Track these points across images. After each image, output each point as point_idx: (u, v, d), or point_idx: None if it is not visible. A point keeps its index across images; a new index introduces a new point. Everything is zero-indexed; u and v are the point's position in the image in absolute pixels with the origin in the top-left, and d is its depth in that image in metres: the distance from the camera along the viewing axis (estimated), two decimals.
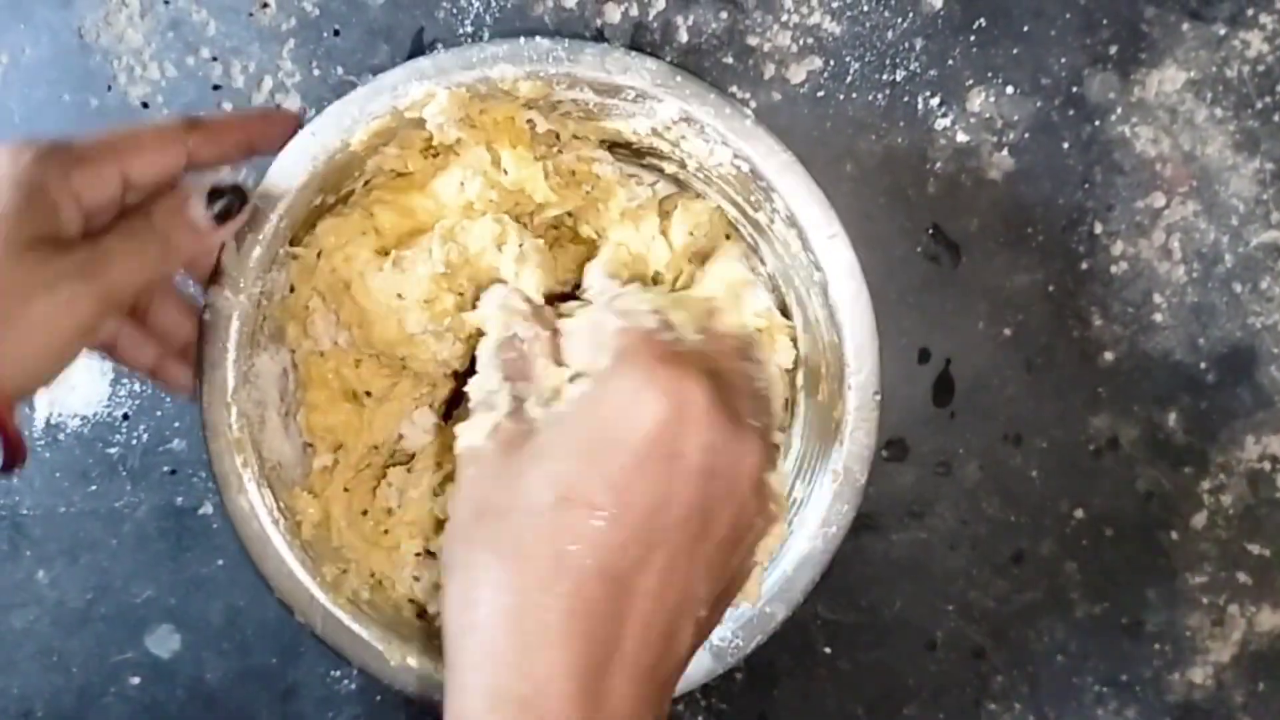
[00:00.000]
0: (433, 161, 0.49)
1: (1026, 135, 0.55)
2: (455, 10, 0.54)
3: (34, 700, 0.56)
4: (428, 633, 0.48)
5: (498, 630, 0.33)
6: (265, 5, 0.54)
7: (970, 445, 0.56)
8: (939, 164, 0.55)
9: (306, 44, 0.54)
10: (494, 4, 0.54)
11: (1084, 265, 0.55)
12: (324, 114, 0.45)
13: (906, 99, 0.55)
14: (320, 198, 0.46)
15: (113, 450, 0.56)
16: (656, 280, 0.51)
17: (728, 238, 0.52)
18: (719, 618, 0.39)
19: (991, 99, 0.55)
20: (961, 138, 0.55)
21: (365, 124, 0.44)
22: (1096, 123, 0.55)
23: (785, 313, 0.52)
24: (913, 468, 0.56)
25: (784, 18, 0.54)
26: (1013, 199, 0.55)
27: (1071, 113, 0.55)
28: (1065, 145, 0.55)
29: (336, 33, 0.54)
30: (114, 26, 0.54)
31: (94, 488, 0.56)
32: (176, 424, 0.56)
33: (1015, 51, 0.54)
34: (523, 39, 0.45)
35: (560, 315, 0.44)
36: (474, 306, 0.47)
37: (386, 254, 0.48)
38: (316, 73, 0.54)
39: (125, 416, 0.56)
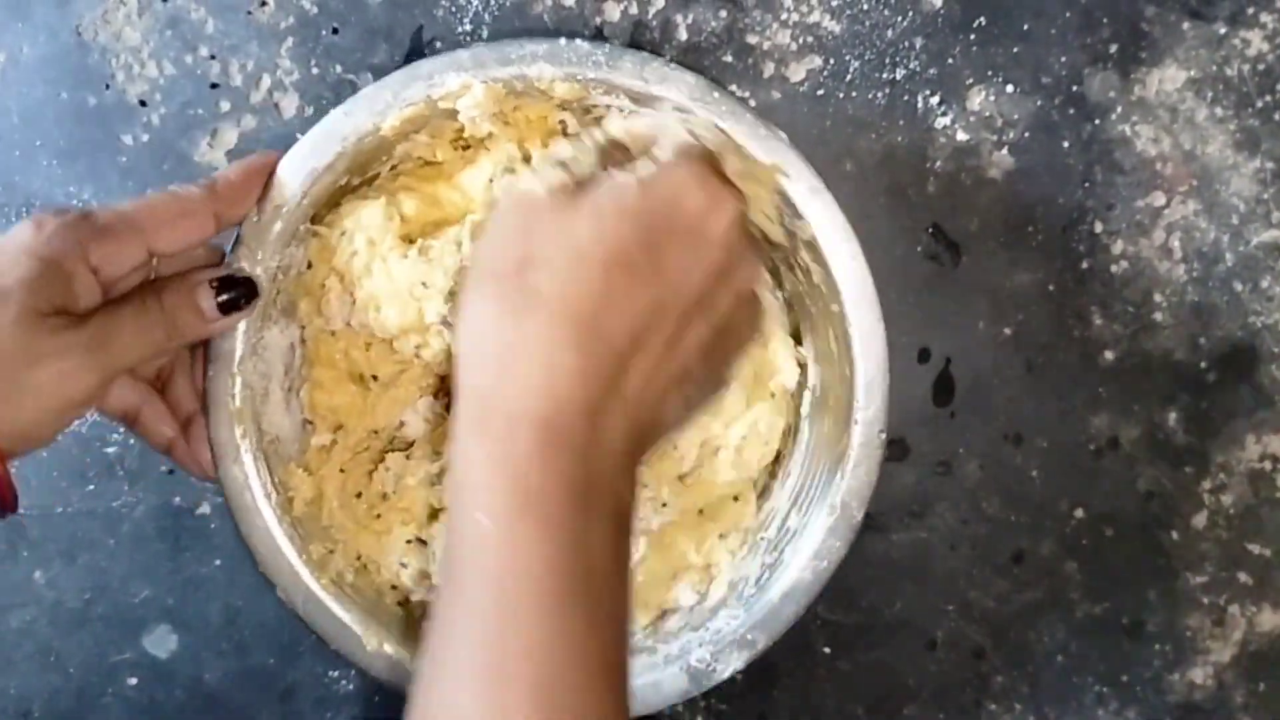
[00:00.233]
0: (462, 154, 0.49)
1: (1027, 134, 0.55)
2: (454, 8, 0.54)
3: (32, 700, 0.56)
4: (407, 621, 0.48)
5: (528, 355, 0.36)
6: (264, 3, 0.54)
7: (970, 445, 0.56)
8: (939, 163, 0.55)
9: (305, 42, 0.54)
10: (493, 2, 0.54)
11: (1084, 264, 0.55)
12: (358, 95, 0.45)
13: (906, 98, 0.55)
14: (346, 178, 0.46)
15: (110, 450, 0.56)
16: None
17: None
18: (696, 401, 0.42)
19: (992, 98, 0.55)
20: (962, 136, 0.55)
21: (398, 109, 0.45)
22: (1097, 122, 0.55)
23: (798, 338, 0.52)
24: (913, 467, 0.56)
25: (784, 16, 0.54)
26: (1013, 198, 0.55)
27: (1072, 112, 0.55)
28: (1065, 144, 0.55)
29: (335, 31, 0.54)
30: (112, 24, 0.54)
31: (92, 487, 0.56)
32: None
33: (1015, 50, 0.54)
34: (563, 40, 0.45)
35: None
36: None
37: (409, 241, 0.48)
38: (315, 71, 0.54)
39: None
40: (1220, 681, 0.57)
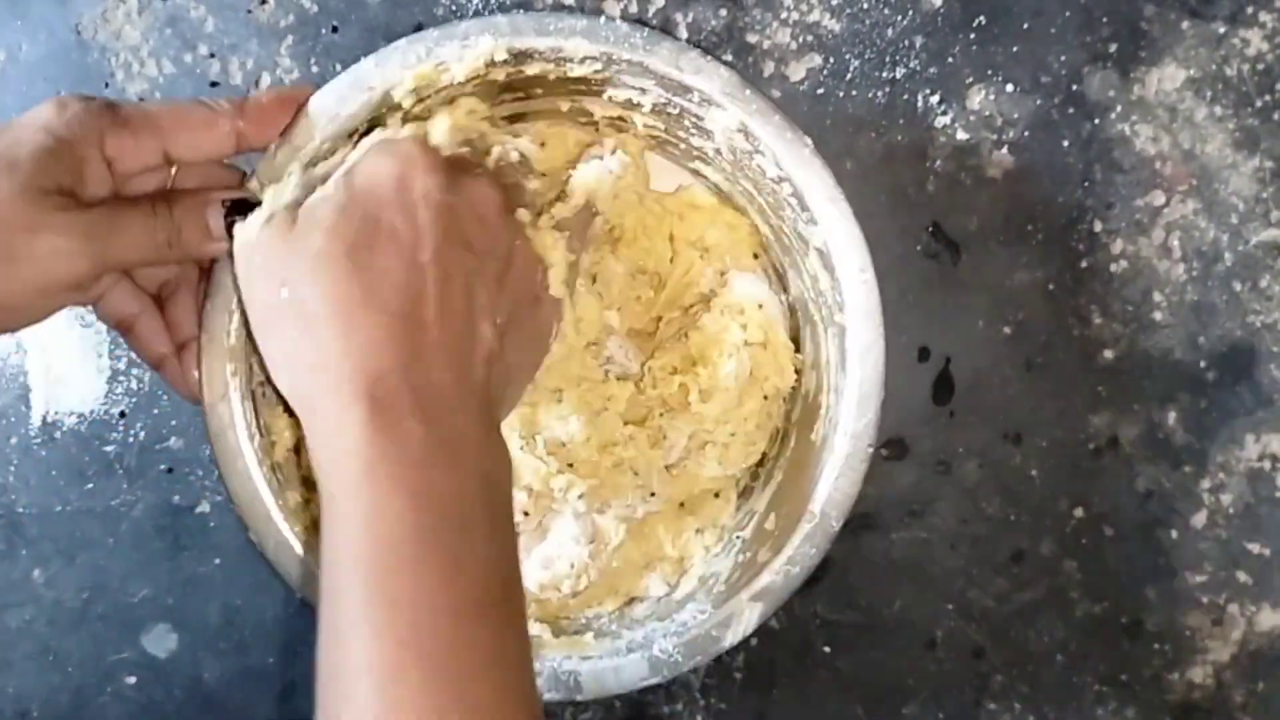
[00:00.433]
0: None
1: (1026, 133, 0.55)
2: (454, 6, 0.54)
3: (30, 700, 0.56)
4: None
5: (331, 353, 0.37)
6: (264, 2, 0.54)
7: (970, 444, 0.56)
8: (939, 162, 0.55)
9: (305, 40, 0.54)
10: (492, 0, 0.54)
11: (1084, 263, 0.55)
12: (392, 47, 0.45)
13: (906, 97, 0.55)
14: (367, 126, 0.46)
15: (110, 448, 0.56)
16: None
17: (755, 256, 0.53)
18: (530, 329, 0.43)
19: (991, 97, 0.55)
20: (961, 135, 0.55)
21: (430, 65, 0.44)
22: (1096, 121, 0.55)
23: (797, 343, 0.52)
24: (912, 467, 0.56)
25: (784, 15, 0.54)
26: (1012, 197, 0.55)
27: (1071, 111, 0.55)
28: (1065, 143, 0.55)
29: (335, 29, 0.54)
30: (111, 23, 0.54)
31: (90, 486, 0.56)
32: (174, 422, 0.55)
33: (1015, 49, 0.54)
34: (603, 18, 0.45)
35: None
36: None
37: None
38: (315, 69, 0.54)
39: (122, 414, 0.56)
40: (1219, 681, 0.57)
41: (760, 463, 0.53)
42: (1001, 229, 0.55)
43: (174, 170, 0.43)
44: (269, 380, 0.45)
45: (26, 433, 0.56)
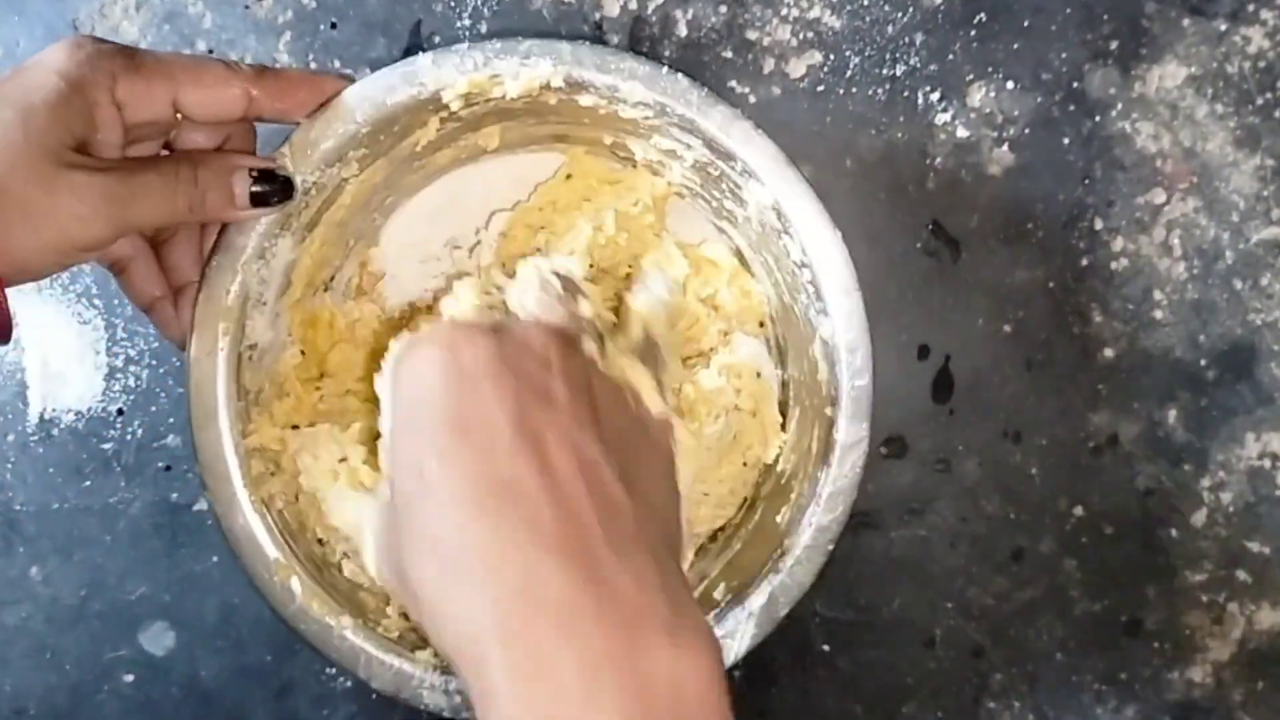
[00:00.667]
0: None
1: (1027, 131, 0.55)
2: (453, 2, 0.54)
3: (27, 698, 0.56)
4: (318, 565, 0.47)
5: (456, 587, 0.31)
6: None
7: (970, 442, 0.56)
8: (939, 159, 0.55)
9: (303, 37, 0.54)
10: None
11: (1084, 262, 0.55)
12: (451, 49, 0.45)
13: (907, 94, 0.54)
14: (402, 125, 0.46)
15: (107, 446, 0.55)
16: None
17: (761, 325, 0.53)
18: (650, 462, 0.37)
19: (992, 94, 0.54)
20: (962, 133, 0.55)
21: (486, 75, 0.45)
22: (1097, 118, 0.55)
23: (783, 420, 0.52)
24: (912, 465, 0.56)
25: (784, 12, 0.54)
26: (1013, 195, 0.55)
27: (1072, 108, 0.55)
28: (1066, 141, 0.55)
29: (333, 25, 0.54)
30: (109, 18, 0.54)
31: (88, 484, 0.56)
32: (171, 419, 0.55)
33: (1016, 46, 0.54)
34: (665, 68, 0.45)
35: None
36: None
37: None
38: (313, 66, 0.54)
39: (120, 412, 0.55)
40: (1219, 680, 0.57)
41: (722, 527, 0.53)
42: (1002, 227, 0.55)
43: (178, 117, 0.42)
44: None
45: (24, 430, 0.55)
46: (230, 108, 0.42)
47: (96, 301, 0.55)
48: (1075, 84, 0.54)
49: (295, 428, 0.49)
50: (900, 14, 0.54)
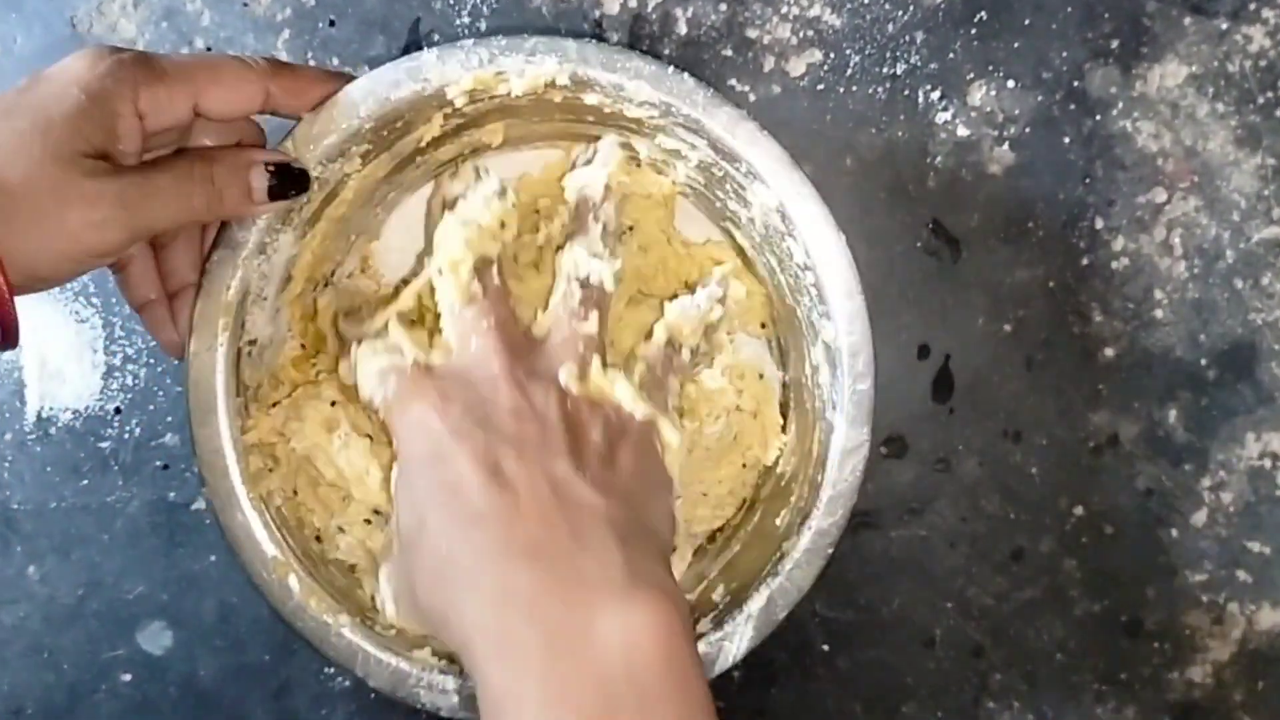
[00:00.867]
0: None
1: (1027, 129, 0.54)
2: (452, 0, 0.54)
3: (24, 698, 0.56)
4: (316, 562, 0.47)
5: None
6: None
7: (969, 442, 0.56)
8: (939, 158, 0.55)
9: (301, 34, 0.54)
10: None
11: (1085, 261, 0.55)
12: (456, 45, 0.44)
13: (907, 92, 0.54)
14: (405, 121, 0.46)
15: (105, 444, 0.55)
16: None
17: (763, 326, 0.52)
18: (647, 477, 0.42)
19: (992, 93, 0.54)
20: (962, 132, 0.54)
21: (490, 72, 0.45)
22: (1098, 117, 0.54)
23: (783, 422, 0.52)
24: (911, 464, 0.56)
25: (784, 10, 0.54)
26: (1013, 194, 0.55)
27: (1073, 107, 0.54)
28: (1066, 140, 0.55)
29: (332, 23, 0.54)
30: (107, 16, 0.54)
31: (85, 482, 0.55)
32: (169, 418, 0.55)
33: (1016, 45, 0.54)
34: (672, 68, 0.45)
35: None
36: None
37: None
38: (312, 63, 0.54)
39: (117, 410, 0.55)
40: (1219, 680, 0.57)
41: (720, 528, 0.53)
42: (1002, 226, 0.55)
43: (193, 122, 0.42)
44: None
45: (21, 428, 0.55)
46: (249, 104, 0.42)
47: (94, 300, 0.55)
48: (1076, 83, 0.54)
49: (275, 405, 0.48)
50: (901, 12, 0.54)
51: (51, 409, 0.55)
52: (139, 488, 0.55)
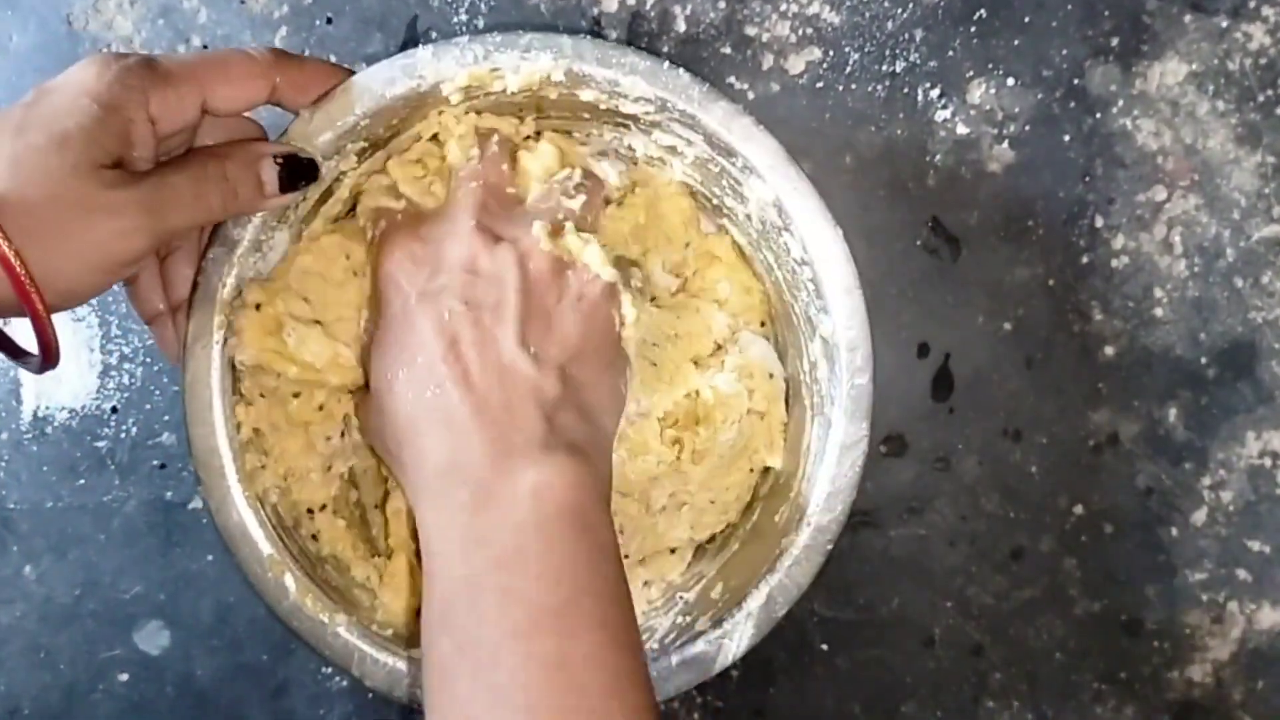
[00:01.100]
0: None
1: (1027, 128, 0.54)
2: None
3: (21, 698, 0.56)
4: (312, 561, 0.47)
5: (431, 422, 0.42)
6: None
7: (969, 441, 0.56)
8: (939, 156, 0.54)
9: (299, 32, 0.54)
10: None
11: (1084, 259, 0.55)
12: (450, 42, 0.44)
13: (906, 90, 0.54)
14: (403, 117, 0.46)
15: (101, 444, 0.55)
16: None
17: (762, 324, 0.52)
18: (597, 358, 0.45)
19: (992, 91, 0.54)
20: (962, 130, 0.54)
21: (485, 69, 0.45)
22: (1098, 115, 0.54)
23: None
24: (911, 463, 0.56)
25: (783, 7, 0.54)
26: (1013, 192, 0.55)
27: (1073, 105, 0.54)
28: (1066, 138, 0.54)
29: (329, 20, 0.54)
30: (103, 13, 0.54)
31: (82, 482, 0.55)
32: (166, 417, 0.55)
33: (1016, 43, 0.54)
34: (667, 63, 0.45)
35: None
36: None
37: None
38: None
39: (114, 410, 0.55)
40: (1219, 679, 0.57)
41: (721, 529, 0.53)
42: (1002, 224, 0.55)
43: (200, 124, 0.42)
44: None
45: (17, 428, 0.55)
46: (256, 97, 0.42)
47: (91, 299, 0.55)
48: (1076, 81, 0.54)
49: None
50: (900, 10, 0.54)
51: (48, 408, 0.55)
52: (136, 487, 0.55)
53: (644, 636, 0.48)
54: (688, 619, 0.48)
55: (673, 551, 0.52)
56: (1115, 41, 0.54)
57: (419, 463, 0.41)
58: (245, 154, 0.42)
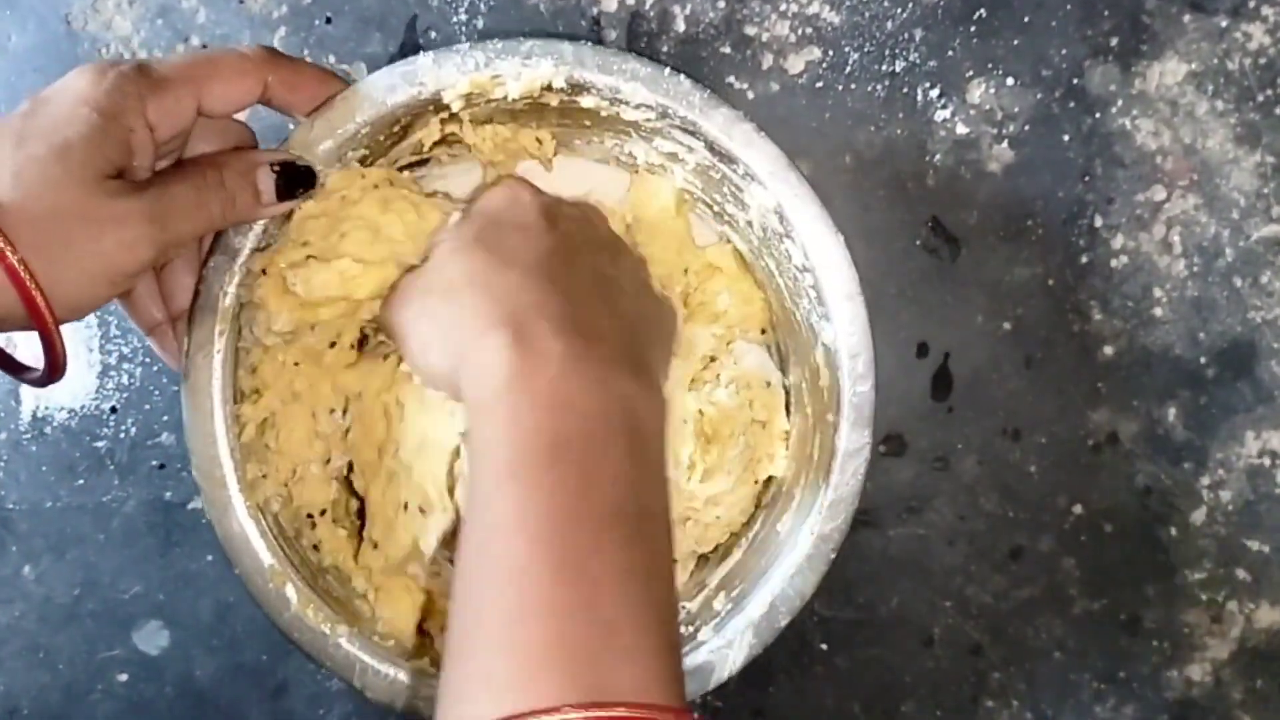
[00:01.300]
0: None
1: (1026, 127, 0.54)
2: None
3: (20, 698, 0.56)
4: (314, 571, 0.47)
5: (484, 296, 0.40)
6: None
7: (969, 440, 0.56)
8: (938, 156, 0.54)
9: (298, 32, 0.54)
10: None
11: (1084, 259, 0.55)
12: (452, 49, 0.44)
13: (906, 90, 0.54)
14: (402, 125, 0.46)
15: (100, 444, 0.55)
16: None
17: (763, 332, 0.52)
18: (657, 319, 0.46)
19: (991, 90, 0.54)
20: (961, 130, 0.54)
21: (486, 76, 0.45)
22: (1097, 115, 0.54)
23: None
24: (910, 463, 0.56)
25: (782, 7, 0.54)
26: (1012, 192, 0.55)
27: (1072, 105, 0.54)
28: (1066, 138, 0.54)
29: (328, 20, 0.54)
30: (102, 13, 0.54)
31: (81, 482, 0.55)
32: (165, 417, 0.55)
33: (1016, 43, 0.54)
34: (668, 69, 0.45)
35: None
36: None
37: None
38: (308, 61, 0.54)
39: (113, 410, 0.55)
40: (1218, 678, 0.57)
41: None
42: (1001, 224, 0.55)
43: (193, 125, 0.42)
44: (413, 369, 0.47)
45: (16, 428, 0.55)
46: (249, 96, 0.42)
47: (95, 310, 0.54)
48: (1075, 80, 0.54)
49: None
50: (900, 9, 0.54)
51: (47, 408, 0.55)
52: (135, 487, 0.55)
53: None
54: (690, 629, 0.48)
55: (673, 562, 0.52)
56: (1115, 41, 0.54)
57: (476, 360, 0.39)
58: (242, 162, 0.42)
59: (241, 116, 0.44)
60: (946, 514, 0.56)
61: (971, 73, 0.54)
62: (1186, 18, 0.54)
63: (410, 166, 0.50)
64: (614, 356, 0.39)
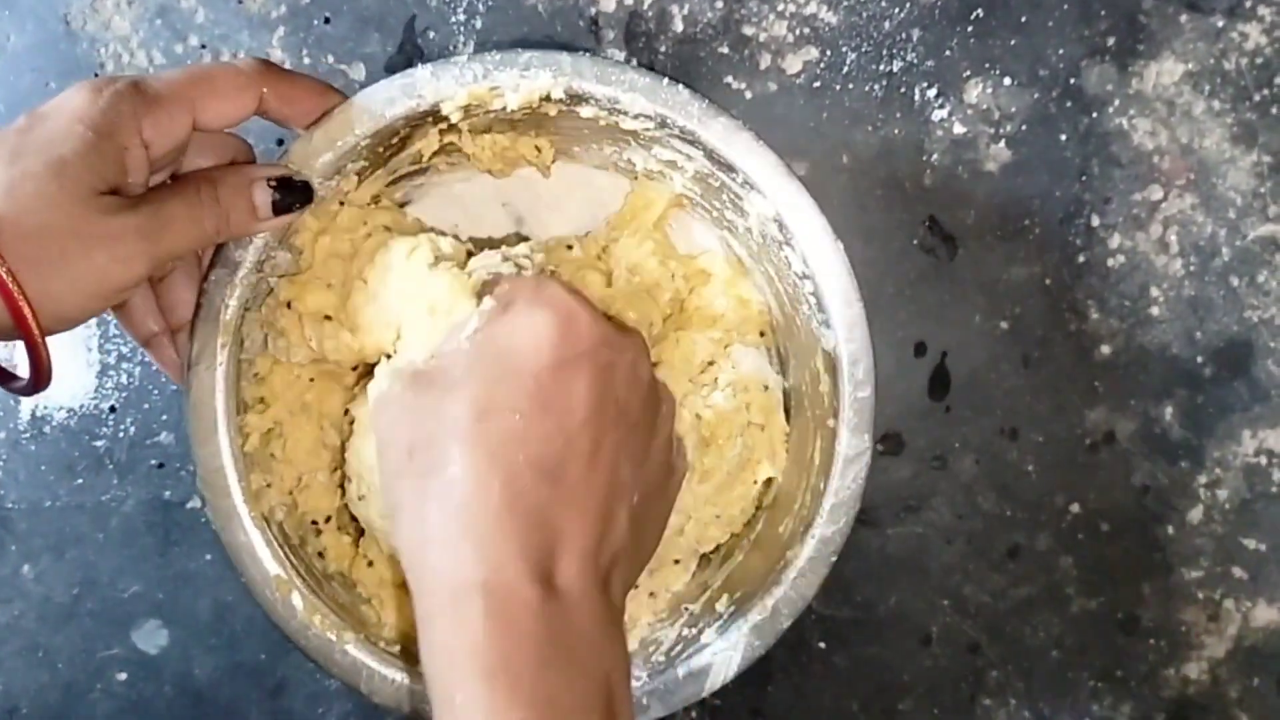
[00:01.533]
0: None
1: (1024, 127, 0.54)
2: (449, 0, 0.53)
3: (19, 697, 0.56)
4: (319, 579, 0.47)
5: (450, 532, 0.36)
6: None
7: (966, 439, 0.56)
8: (935, 156, 0.54)
9: (296, 31, 0.54)
10: None
11: (1081, 258, 0.55)
12: (450, 60, 0.44)
13: (903, 90, 0.54)
14: (401, 137, 0.46)
15: (99, 443, 0.55)
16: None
17: (761, 335, 0.52)
18: (658, 509, 0.43)
19: (989, 90, 0.54)
20: (958, 129, 0.54)
21: (485, 87, 0.45)
22: (1094, 115, 0.54)
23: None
24: (908, 462, 0.56)
25: (780, 7, 0.54)
26: (1010, 191, 0.55)
27: (1069, 104, 0.54)
28: (1063, 137, 0.55)
29: (327, 20, 0.54)
30: (101, 13, 0.54)
31: (80, 481, 0.55)
32: (164, 416, 0.55)
33: (1013, 43, 0.54)
34: (666, 80, 0.45)
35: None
36: None
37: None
38: (307, 61, 0.54)
39: (112, 409, 0.55)
40: (1215, 677, 0.57)
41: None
42: (998, 223, 0.55)
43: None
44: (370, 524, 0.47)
45: (15, 427, 0.55)
46: (245, 110, 0.42)
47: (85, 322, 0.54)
48: (1072, 80, 0.54)
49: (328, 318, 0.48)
50: (897, 9, 0.54)
51: (46, 408, 0.55)
52: (134, 486, 0.55)
53: (651, 649, 0.49)
54: (693, 630, 0.48)
55: (676, 562, 0.52)
56: (1111, 41, 0.54)
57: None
58: (237, 177, 0.42)
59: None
60: (944, 513, 0.56)
61: (969, 73, 0.54)
62: (1183, 18, 0.54)
63: (409, 175, 0.50)
64: (595, 625, 0.37)
